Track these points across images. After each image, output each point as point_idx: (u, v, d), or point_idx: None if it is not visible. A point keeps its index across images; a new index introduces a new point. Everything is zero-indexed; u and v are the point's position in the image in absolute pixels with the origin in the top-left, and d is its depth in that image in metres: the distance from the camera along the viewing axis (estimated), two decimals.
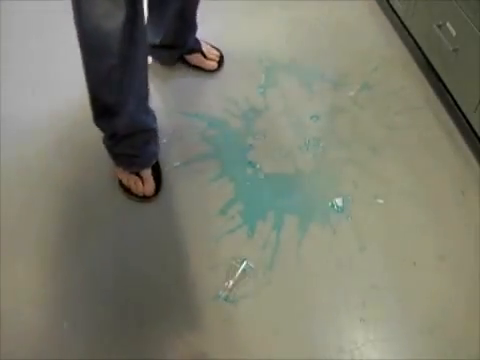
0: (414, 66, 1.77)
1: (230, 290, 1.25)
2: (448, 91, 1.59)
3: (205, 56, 1.72)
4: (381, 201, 1.43)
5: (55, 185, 1.45)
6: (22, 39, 1.85)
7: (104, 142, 1.37)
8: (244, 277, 1.28)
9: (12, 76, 1.72)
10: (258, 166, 1.50)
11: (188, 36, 1.65)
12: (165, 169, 1.48)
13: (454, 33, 1.45)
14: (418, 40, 1.71)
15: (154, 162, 1.44)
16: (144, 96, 1.32)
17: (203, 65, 1.72)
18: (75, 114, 1.59)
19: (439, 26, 1.51)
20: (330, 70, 1.76)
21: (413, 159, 1.52)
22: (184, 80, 1.73)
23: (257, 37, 1.86)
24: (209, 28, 1.82)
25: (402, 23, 1.81)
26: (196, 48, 1.70)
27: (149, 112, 1.39)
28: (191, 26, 1.62)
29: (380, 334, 1.20)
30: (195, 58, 1.72)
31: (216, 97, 1.67)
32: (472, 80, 1.41)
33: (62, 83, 1.69)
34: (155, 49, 1.66)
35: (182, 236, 1.35)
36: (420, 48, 1.72)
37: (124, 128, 1.30)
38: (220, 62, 1.75)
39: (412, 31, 1.75)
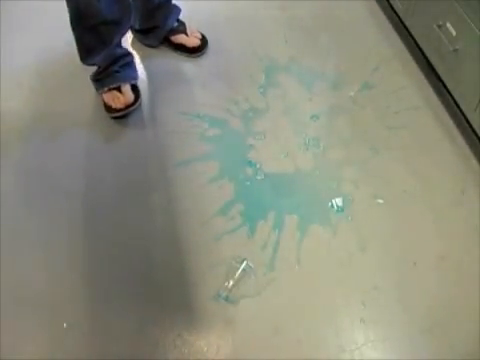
0: (414, 66, 1.77)
1: (230, 290, 1.25)
2: (448, 91, 1.59)
3: (188, 36, 1.78)
4: (381, 201, 1.42)
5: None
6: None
7: (91, 77, 1.59)
8: (244, 277, 1.28)
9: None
10: (258, 166, 1.50)
11: (165, 18, 1.71)
12: (165, 169, 1.48)
13: (454, 33, 1.45)
14: (418, 40, 1.71)
15: (133, 82, 1.62)
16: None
17: (186, 43, 1.77)
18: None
19: (439, 26, 1.51)
20: (330, 70, 1.76)
21: (413, 159, 1.52)
22: (185, 80, 1.73)
23: (257, 37, 1.86)
24: (209, 27, 1.82)
25: (402, 23, 1.81)
26: (180, 29, 1.76)
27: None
28: (164, 8, 1.69)
29: (380, 334, 1.20)
30: (178, 38, 1.77)
31: (216, 97, 1.67)
32: (472, 80, 1.41)
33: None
34: (137, 33, 1.78)
35: (182, 236, 1.35)
36: (420, 48, 1.72)
37: (105, 59, 1.53)
38: (203, 41, 1.79)
39: (412, 31, 1.75)
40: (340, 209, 1.41)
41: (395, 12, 1.85)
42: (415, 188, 1.45)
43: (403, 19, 1.78)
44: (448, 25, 1.47)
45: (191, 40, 1.77)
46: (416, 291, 1.26)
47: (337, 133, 1.59)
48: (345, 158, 1.52)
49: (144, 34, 1.77)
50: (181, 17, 1.76)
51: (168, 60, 1.78)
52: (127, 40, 1.80)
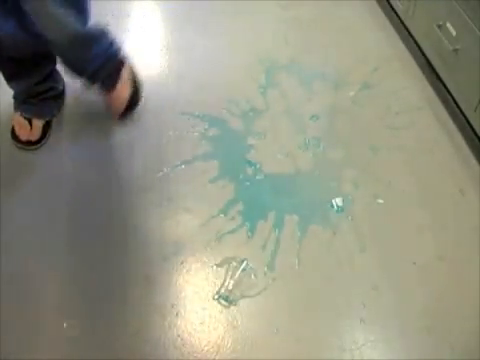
0: (414, 66, 1.77)
1: (230, 290, 1.25)
2: (448, 91, 1.60)
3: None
4: (381, 201, 1.43)
5: None
6: None
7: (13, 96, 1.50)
8: (244, 277, 1.28)
9: None
10: (258, 166, 1.50)
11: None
12: (165, 169, 1.48)
13: (454, 33, 1.46)
14: (418, 40, 1.72)
15: (46, 119, 1.53)
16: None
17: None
18: None
19: (439, 26, 1.51)
20: (330, 70, 1.76)
21: (413, 159, 1.52)
22: (184, 80, 1.74)
23: (257, 37, 1.86)
24: (209, 28, 1.82)
25: (402, 23, 1.81)
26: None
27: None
28: None
29: (380, 334, 1.20)
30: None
31: (216, 97, 1.67)
32: (472, 80, 1.41)
33: None
34: None
35: (182, 236, 1.35)
36: (420, 48, 1.72)
37: (23, 91, 1.46)
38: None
39: (412, 31, 1.75)
40: (340, 209, 1.41)
41: (395, 12, 1.85)
42: (415, 188, 1.45)
43: (403, 19, 1.79)
44: (448, 25, 1.48)
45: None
46: (416, 291, 1.26)
47: (337, 133, 1.59)
48: (345, 158, 1.53)
49: None
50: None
51: (168, 60, 1.78)
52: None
